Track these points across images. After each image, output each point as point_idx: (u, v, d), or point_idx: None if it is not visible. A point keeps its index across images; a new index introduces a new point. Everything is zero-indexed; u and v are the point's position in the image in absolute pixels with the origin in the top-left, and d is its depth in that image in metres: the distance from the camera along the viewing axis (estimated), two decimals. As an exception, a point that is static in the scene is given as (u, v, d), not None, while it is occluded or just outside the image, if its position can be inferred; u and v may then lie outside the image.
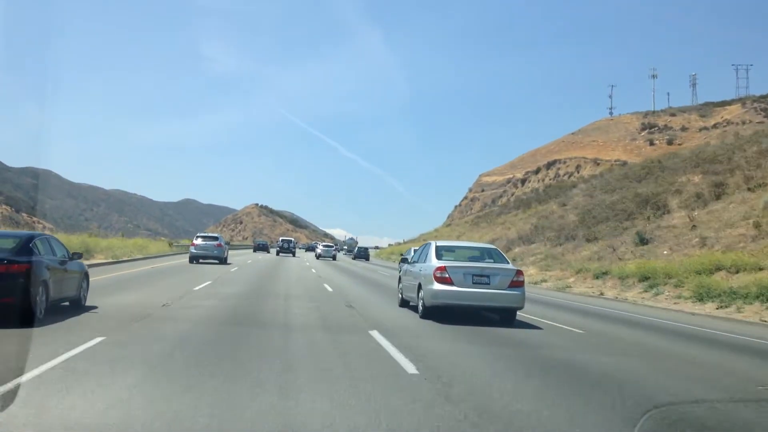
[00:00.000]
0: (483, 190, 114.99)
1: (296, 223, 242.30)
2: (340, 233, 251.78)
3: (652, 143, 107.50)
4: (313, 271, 35.53)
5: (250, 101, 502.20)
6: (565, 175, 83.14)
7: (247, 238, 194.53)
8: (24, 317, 10.25)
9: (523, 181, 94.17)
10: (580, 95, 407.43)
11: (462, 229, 72.13)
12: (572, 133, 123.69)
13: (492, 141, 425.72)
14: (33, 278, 10.72)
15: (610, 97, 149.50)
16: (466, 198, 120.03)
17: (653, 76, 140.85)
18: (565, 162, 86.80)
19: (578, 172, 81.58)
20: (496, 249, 15.52)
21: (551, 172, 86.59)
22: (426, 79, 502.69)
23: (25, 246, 11.24)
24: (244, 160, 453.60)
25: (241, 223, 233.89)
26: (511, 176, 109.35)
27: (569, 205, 51.42)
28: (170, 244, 53.22)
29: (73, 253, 13.49)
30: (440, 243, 15.27)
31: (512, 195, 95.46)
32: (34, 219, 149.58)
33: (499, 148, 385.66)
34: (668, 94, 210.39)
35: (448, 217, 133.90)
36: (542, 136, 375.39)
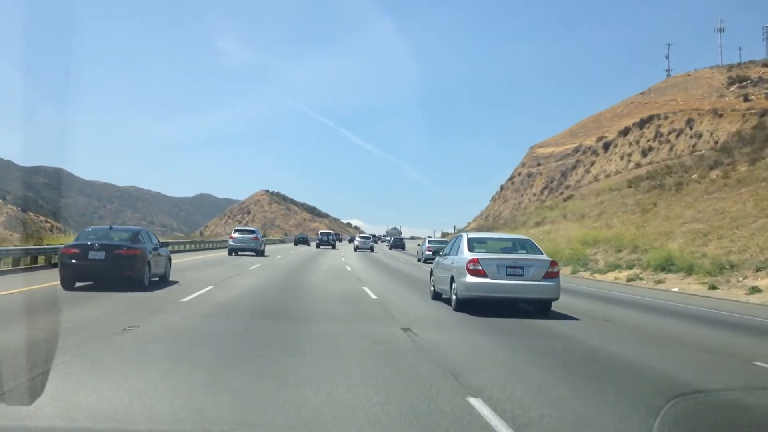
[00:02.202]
0: (539, 164, 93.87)
1: (314, 211, 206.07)
2: (358, 224, 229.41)
3: (746, 99, 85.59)
4: (348, 269, 29.60)
5: (264, 94, 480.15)
6: (671, 133, 62.08)
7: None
8: (137, 285, 15.24)
9: (607, 146, 72.91)
10: (629, 59, 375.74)
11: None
12: (641, 93, 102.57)
13: (524, 120, 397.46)
14: (142, 259, 15.59)
15: (667, 57, 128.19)
16: (519, 174, 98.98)
17: (720, 30, 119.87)
18: (666, 117, 65.59)
19: (690, 128, 60.39)
20: (529, 240, 14.72)
21: (648, 132, 65.68)
22: (446, 65, 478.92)
23: (136, 237, 16.41)
24: (260, 154, 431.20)
25: (248, 213, 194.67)
26: (577, 144, 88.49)
27: None
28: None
29: (162, 243, 18.71)
30: (472, 235, 14.89)
31: (591, 164, 74.38)
32: (42, 218, 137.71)
33: (538, 122, 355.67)
34: (740, 48, 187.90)
35: (494, 199, 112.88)
36: (593, 104, 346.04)
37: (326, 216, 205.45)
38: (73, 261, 15.07)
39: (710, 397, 6.39)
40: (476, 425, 5.16)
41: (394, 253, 61.61)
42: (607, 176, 68.18)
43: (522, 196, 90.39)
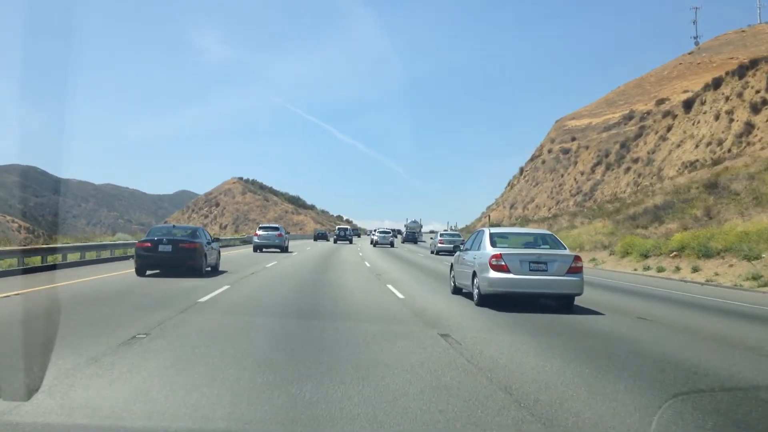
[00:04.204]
0: (574, 138, 75.90)
1: (297, 203, 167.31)
2: (348, 217, 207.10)
3: (829, 52, 67.76)
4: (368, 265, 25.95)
5: (246, 91, 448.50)
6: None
7: (226, 227, 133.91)
8: (196, 272, 17.54)
9: (689, 105, 54.84)
10: (646, 28, 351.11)
11: None
12: (689, 54, 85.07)
13: (528, 101, 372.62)
14: (200, 251, 17.96)
15: (694, 22, 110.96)
16: (549, 151, 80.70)
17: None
18: (783, 61, 47.63)
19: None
20: (551, 234, 13.83)
21: (755, 80, 47.65)
22: (434, 55, 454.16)
23: (195, 233, 18.89)
24: (241, 150, 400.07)
25: (217, 205, 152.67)
26: (626, 111, 71.02)
27: None
28: None
29: (214, 238, 21.57)
30: (494, 230, 14.26)
31: (668, 129, 56.68)
32: (8, 218, 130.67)
33: (550, 100, 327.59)
34: None
35: (512, 184, 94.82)
36: (622, 71, 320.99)
37: (312, 208, 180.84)
38: (146, 253, 17.51)
39: (708, 396, 5.77)
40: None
41: (410, 246, 59.83)
42: (699, 141, 50.19)
43: (562, 176, 72.43)
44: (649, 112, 64.74)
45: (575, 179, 67.97)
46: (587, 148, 69.58)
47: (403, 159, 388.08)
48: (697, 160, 48.73)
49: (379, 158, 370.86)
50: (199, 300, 11.82)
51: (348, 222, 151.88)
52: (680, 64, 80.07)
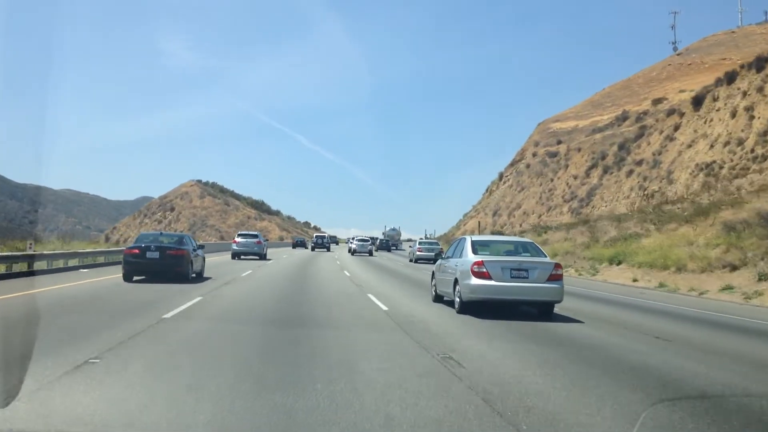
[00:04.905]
0: (560, 141, 70.47)
1: (261, 207, 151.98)
2: (317, 224, 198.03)
3: (827, 52, 63.05)
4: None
5: (211, 96, 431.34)
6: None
7: (181, 232, 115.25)
8: (183, 278, 17.69)
9: (699, 102, 49.49)
10: (618, 32, 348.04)
11: None
12: (677, 54, 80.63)
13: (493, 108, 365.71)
14: (187, 258, 18.07)
15: (673, 27, 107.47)
16: (534, 155, 75.06)
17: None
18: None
19: None
20: (532, 242, 13.91)
21: (776, 75, 42.10)
22: (401, 63, 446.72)
23: (181, 240, 19.41)
24: (204, 156, 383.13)
25: (172, 209, 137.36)
26: (618, 113, 65.78)
27: None
28: None
29: (199, 245, 21.94)
30: (476, 237, 13.98)
31: (675, 128, 51.62)
32: None
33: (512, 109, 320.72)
34: (766, 12, 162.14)
35: (490, 190, 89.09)
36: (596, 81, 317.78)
37: (277, 213, 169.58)
38: (134, 259, 17.60)
39: (690, 403, 5.76)
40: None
41: (387, 254, 57.95)
42: (714, 140, 44.87)
43: (552, 180, 66.57)
44: (645, 112, 59.59)
45: (567, 184, 62.33)
46: (579, 150, 64.10)
47: (374, 166, 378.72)
48: (714, 161, 43.23)
49: (347, 166, 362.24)
50: (182, 306, 11.59)
51: (316, 229, 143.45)
52: (669, 65, 75.57)
